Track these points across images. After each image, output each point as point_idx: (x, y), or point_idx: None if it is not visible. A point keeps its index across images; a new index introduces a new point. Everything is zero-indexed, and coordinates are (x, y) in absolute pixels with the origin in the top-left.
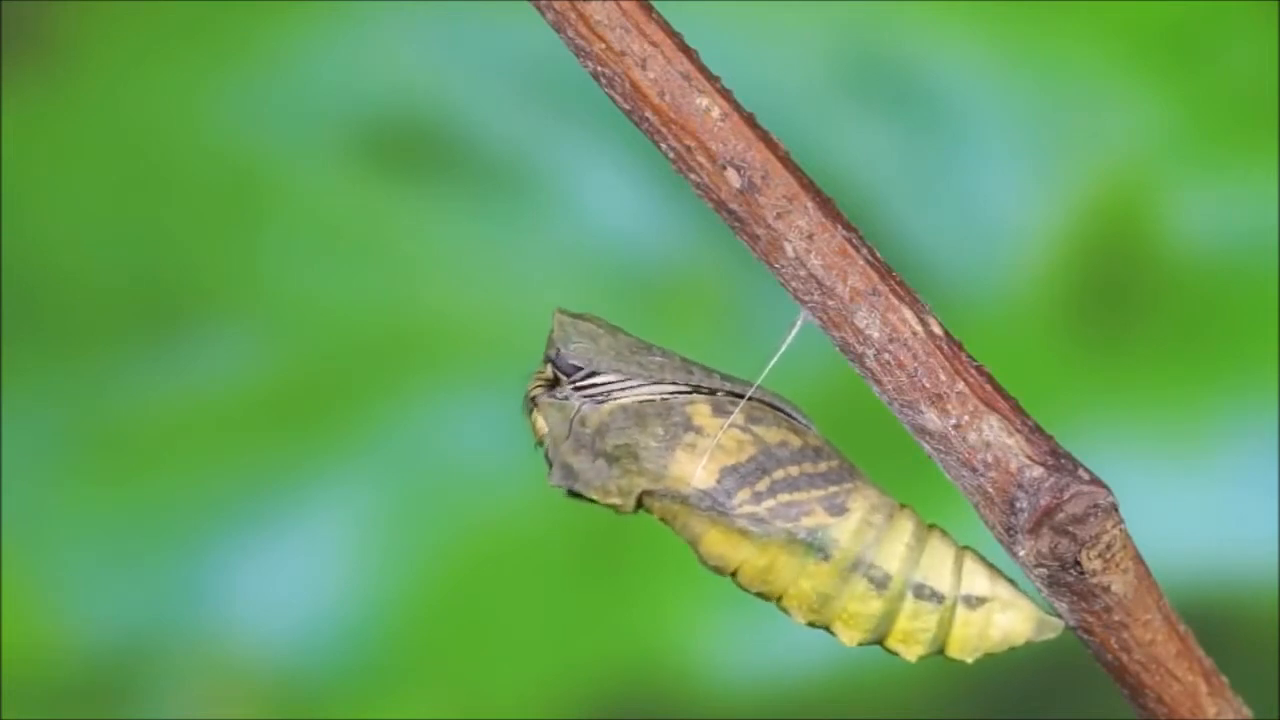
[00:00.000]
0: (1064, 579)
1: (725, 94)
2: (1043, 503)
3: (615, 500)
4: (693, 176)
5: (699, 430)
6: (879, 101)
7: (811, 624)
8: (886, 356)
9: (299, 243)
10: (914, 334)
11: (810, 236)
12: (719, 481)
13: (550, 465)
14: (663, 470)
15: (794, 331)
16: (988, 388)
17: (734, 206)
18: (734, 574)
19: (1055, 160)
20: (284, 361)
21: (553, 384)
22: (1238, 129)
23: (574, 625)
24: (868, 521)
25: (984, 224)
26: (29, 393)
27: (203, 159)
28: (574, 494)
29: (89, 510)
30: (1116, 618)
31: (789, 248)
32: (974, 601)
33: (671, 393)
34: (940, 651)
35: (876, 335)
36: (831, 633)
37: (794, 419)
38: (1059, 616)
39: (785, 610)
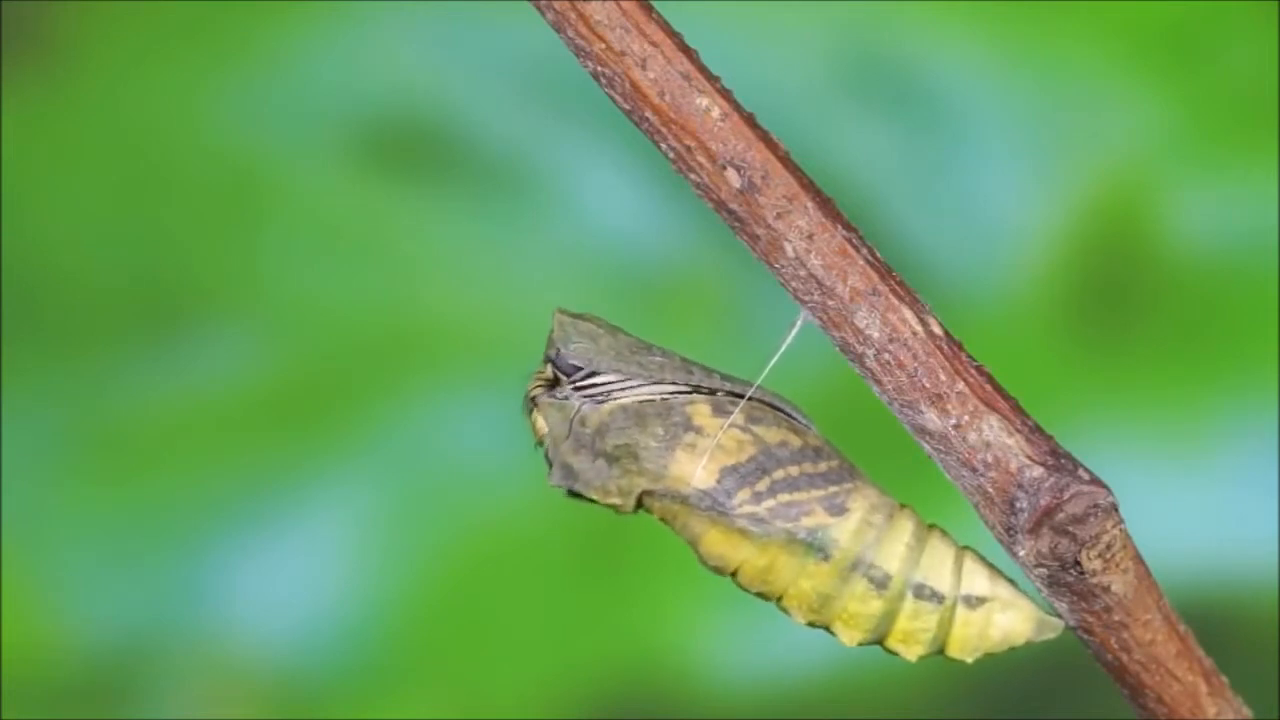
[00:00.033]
0: (1064, 579)
1: (725, 94)
2: (1043, 503)
3: (615, 500)
4: (693, 176)
5: (699, 430)
6: (879, 101)
7: (811, 624)
8: (886, 356)
9: (299, 243)
10: (914, 334)
11: (810, 236)
12: (719, 481)
13: (550, 465)
14: (663, 470)
15: (794, 331)
16: (988, 388)
17: (734, 206)
18: (734, 574)
19: (1055, 160)
20: (284, 361)
21: (553, 384)
22: (1238, 129)
23: (574, 625)
24: (868, 521)
25: (984, 224)
26: (29, 393)
27: (203, 159)
28: (574, 494)
29: (89, 510)
30: (1116, 618)
31: (789, 248)
32: (974, 601)
33: (671, 393)
34: (940, 651)
35: (876, 335)
36: (831, 633)
37: (794, 419)
38: (1059, 616)
39: (785, 610)
